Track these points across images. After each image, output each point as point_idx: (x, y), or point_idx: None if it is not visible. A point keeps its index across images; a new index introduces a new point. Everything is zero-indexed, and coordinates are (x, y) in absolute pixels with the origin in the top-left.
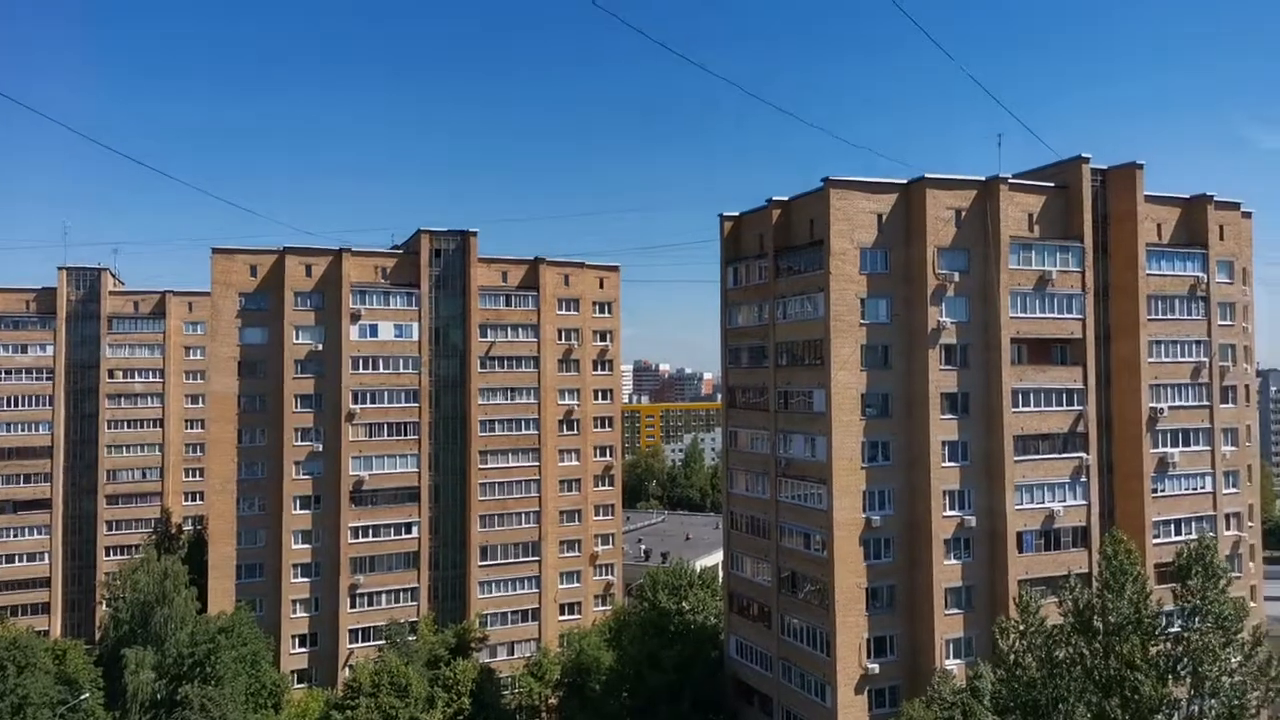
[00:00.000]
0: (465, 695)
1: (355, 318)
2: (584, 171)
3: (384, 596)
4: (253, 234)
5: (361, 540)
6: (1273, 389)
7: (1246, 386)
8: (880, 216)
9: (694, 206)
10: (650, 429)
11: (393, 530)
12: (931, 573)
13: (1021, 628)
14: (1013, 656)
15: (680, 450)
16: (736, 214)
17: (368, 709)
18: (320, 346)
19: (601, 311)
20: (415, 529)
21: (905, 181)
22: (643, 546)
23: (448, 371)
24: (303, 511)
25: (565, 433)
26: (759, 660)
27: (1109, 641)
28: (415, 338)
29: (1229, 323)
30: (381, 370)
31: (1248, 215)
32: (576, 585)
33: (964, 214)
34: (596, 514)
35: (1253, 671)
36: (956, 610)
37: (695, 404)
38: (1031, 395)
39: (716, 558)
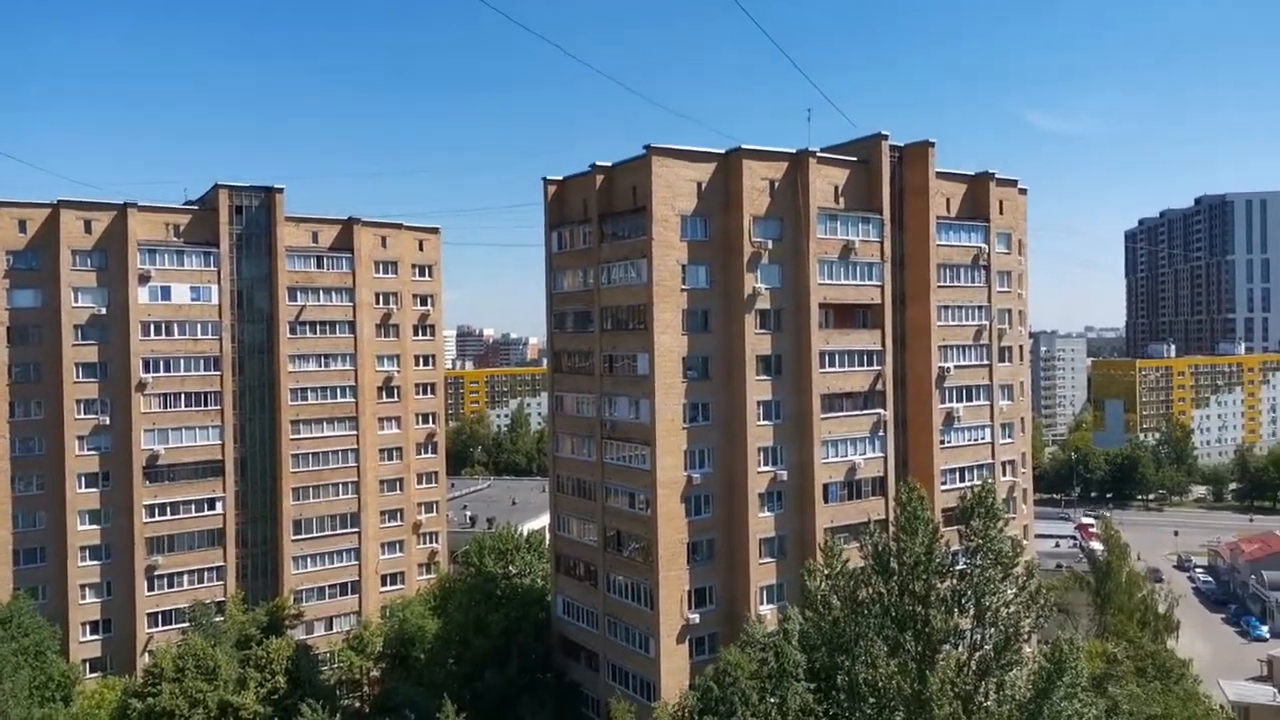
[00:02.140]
0: (280, 674)
1: (144, 279)
2: (402, 130)
3: (187, 577)
4: (24, 186)
5: (159, 519)
6: (1042, 349)
7: (1021, 347)
8: (700, 185)
9: (518, 169)
10: (475, 395)
11: (195, 507)
12: (747, 525)
13: (827, 571)
14: (819, 598)
15: (506, 415)
16: (560, 178)
17: (171, 695)
18: (104, 310)
19: (422, 275)
20: (220, 504)
21: (724, 152)
22: (468, 513)
23: (253, 337)
24: (89, 490)
25: (385, 400)
26: (586, 618)
27: (904, 580)
28: (215, 301)
29: (1006, 289)
30: (177, 336)
31: (1023, 192)
32: (399, 555)
33: (777, 185)
34: (420, 482)
35: (1024, 600)
36: (770, 559)
37: (521, 369)
38: (837, 357)
39: (543, 521)
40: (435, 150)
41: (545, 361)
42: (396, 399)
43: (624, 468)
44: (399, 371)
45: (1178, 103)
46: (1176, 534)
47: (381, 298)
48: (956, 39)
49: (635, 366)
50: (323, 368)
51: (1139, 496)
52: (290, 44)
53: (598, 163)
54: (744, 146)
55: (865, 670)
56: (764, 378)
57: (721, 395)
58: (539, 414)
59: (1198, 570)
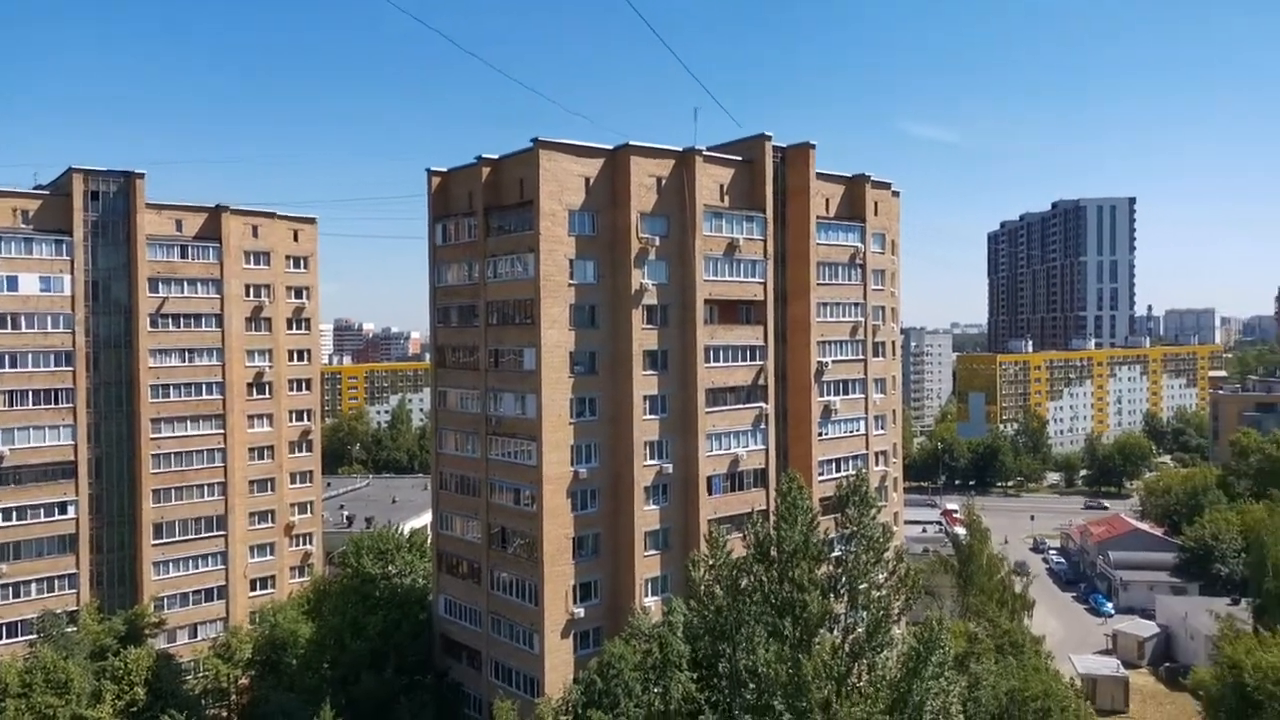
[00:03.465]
0: (139, 685)
1: None
2: (276, 116)
3: (34, 586)
4: None
5: (3, 524)
6: (912, 345)
7: (893, 343)
8: (588, 180)
9: (401, 160)
10: (353, 391)
11: (43, 511)
12: (633, 519)
13: (711, 561)
14: (702, 588)
15: (386, 412)
16: (445, 170)
17: (17, 711)
18: None
19: (297, 266)
20: (72, 509)
21: (612, 148)
22: (345, 513)
23: (110, 330)
24: None
25: (256, 396)
26: (468, 617)
27: (784, 568)
28: (67, 292)
29: (880, 287)
30: (24, 329)
31: (897, 194)
32: (270, 558)
33: (664, 182)
34: (293, 481)
35: (894, 584)
36: (655, 551)
37: (402, 364)
38: (721, 352)
39: (425, 519)
40: (312, 139)
41: (428, 356)
42: (268, 395)
43: (509, 463)
44: (271, 367)
45: (1037, 113)
46: (1033, 518)
47: (252, 290)
48: (837, 46)
49: (522, 361)
50: (187, 363)
51: (999, 483)
52: (163, 24)
53: (484, 155)
54: (632, 143)
55: (746, 657)
56: (651, 373)
57: (609, 390)
58: (421, 410)
59: (1051, 552)
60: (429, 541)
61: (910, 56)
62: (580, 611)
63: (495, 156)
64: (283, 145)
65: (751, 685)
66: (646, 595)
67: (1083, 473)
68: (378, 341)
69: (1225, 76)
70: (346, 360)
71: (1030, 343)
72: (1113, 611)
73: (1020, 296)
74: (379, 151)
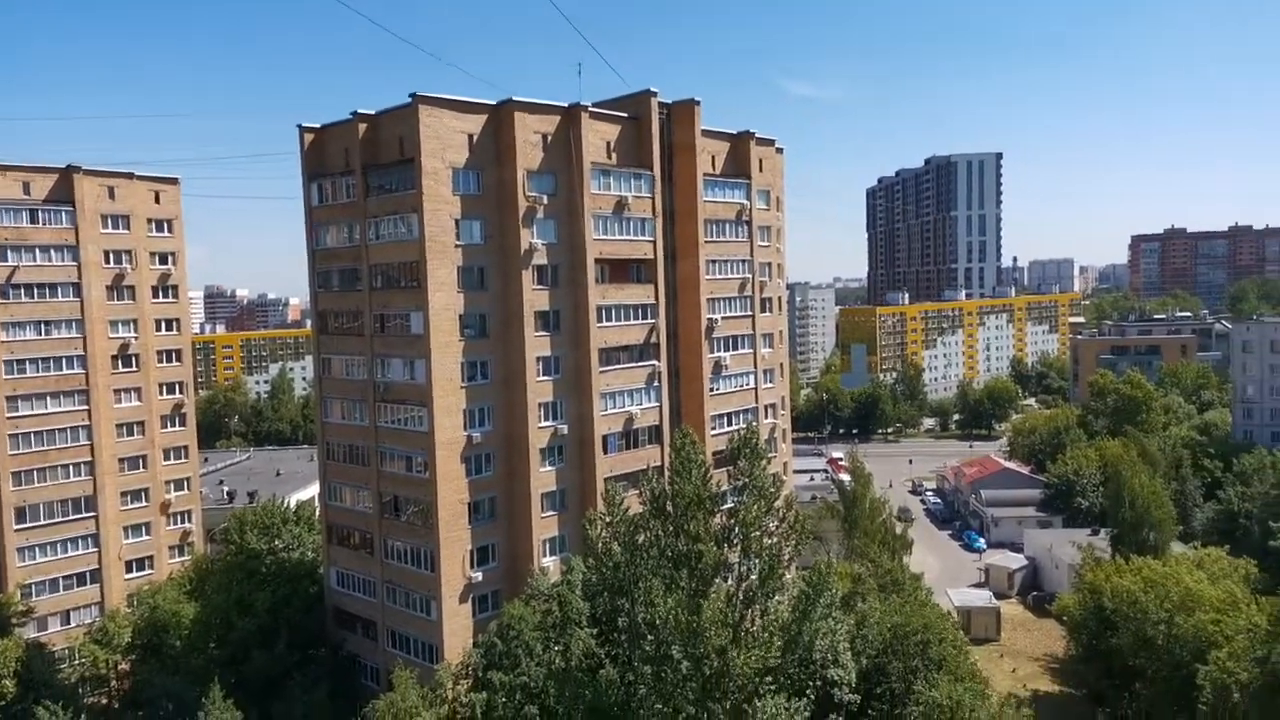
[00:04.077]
0: (7, 677)
1: None
2: (129, 69)
3: None
4: None
5: None
6: (797, 299)
7: (779, 298)
8: (471, 137)
9: (270, 114)
10: (229, 361)
11: None
12: (529, 481)
13: (608, 519)
14: (600, 545)
15: (266, 382)
16: (318, 126)
17: None
18: None
19: (160, 230)
20: None
21: (495, 103)
22: (225, 488)
23: None
24: None
25: (121, 370)
26: (362, 588)
27: (679, 521)
28: None
29: (766, 244)
30: None
31: (780, 151)
32: (146, 538)
33: (550, 139)
34: (167, 458)
35: (785, 531)
36: (552, 512)
37: (281, 331)
38: (613, 311)
39: (312, 491)
40: (173, 92)
41: (309, 323)
42: (135, 368)
43: (400, 430)
44: (137, 338)
45: (911, 71)
46: (911, 462)
47: (113, 256)
48: (720, 6)
49: (409, 326)
50: (43, 336)
51: (880, 430)
52: None
53: (360, 110)
54: (515, 99)
55: (644, 610)
56: (543, 334)
57: (500, 352)
58: (304, 379)
59: (928, 493)
60: (317, 514)
61: (788, 13)
62: (478, 576)
63: (372, 112)
64: (143, 99)
65: (650, 637)
66: (545, 556)
67: (956, 417)
68: (253, 309)
69: (1080, 39)
70: (220, 329)
71: (906, 295)
72: (985, 547)
73: (897, 250)
74: (248, 107)
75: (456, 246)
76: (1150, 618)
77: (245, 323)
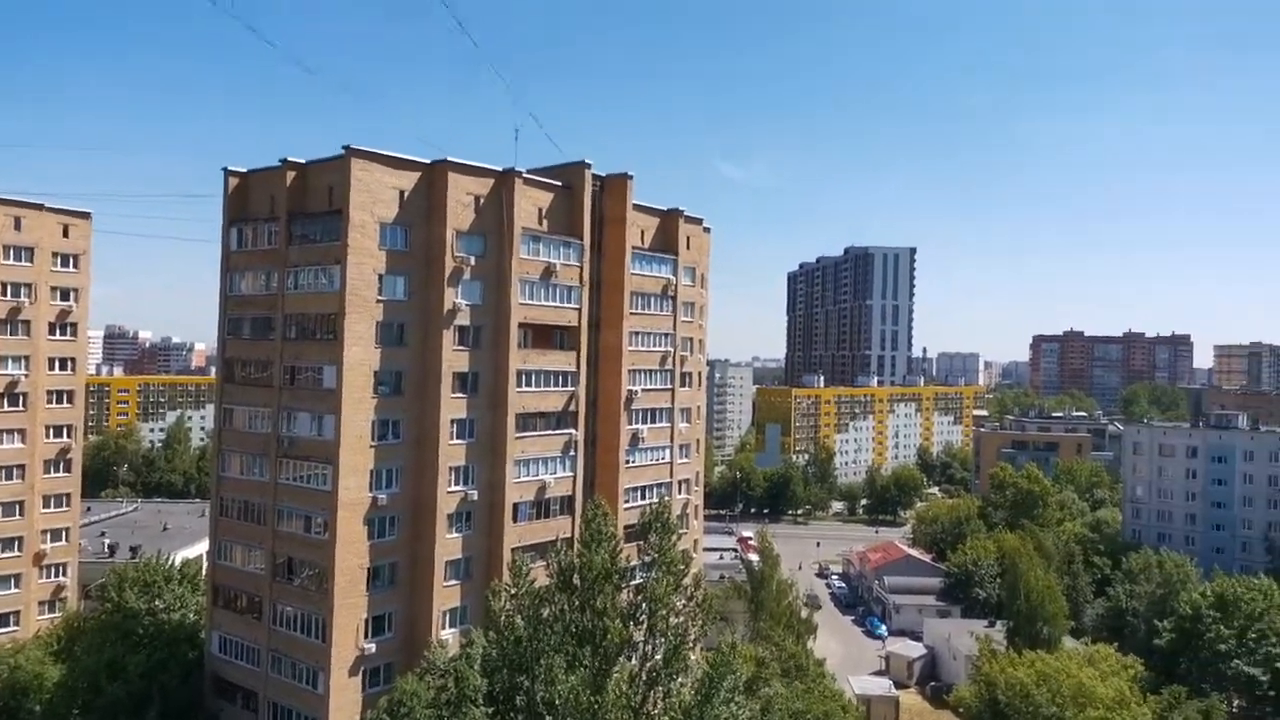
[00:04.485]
0: None
1: None
2: (48, 99)
3: None
4: None
5: None
6: (717, 376)
7: (699, 373)
8: (403, 193)
9: (191, 154)
10: (124, 405)
11: None
12: (434, 547)
13: (513, 591)
14: (503, 618)
15: (162, 430)
16: (244, 170)
17: None
18: None
19: (65, 265)
20: None
21: (429, 162)
22: (106, 541)
23: None
24: None
25: (7, 408)
26: (245, 655)
27: (586, 595)
28: None
29: (690, 319)
30: None
31: (708, 230)
32: (15, 591)
33: (483, 201)
34: (46, 505)
35: (692, 610)
36: (455, 581)
37: (183, 377)
38: (534, 376)
39: (200, 548)
40: (89, 124)
41: (214, 370)
42: (21, 408)
43: (301, 489)
44: (27, 375)
45: (837, 163)
46: (819, 545)
47: (10, 289)
48: (654, 79)
49: (321, 379)
50: None
51: (790, 511)
52: None
53: (290, 158)
54: (450, 159)
55: (544, 689)
56: (460, 395)
57: (414, 412)
58: (202, 429)
59: (834, 577)
60: (204, 573)
61: (720, 96)
62: (371, 647)
63: (303, 161)
64: (55, 131)
65: (548, 717)
66: (445, 627)
67: (864, 502)
68: (155, 352)
69: (979, 144)
70: (118, 371)
71: (822, 378)
72: (886, 634)
73: (815, 334)
74: (165, 145)
75: (378, 301)
76: (1041, 712)
77: (146, 366)
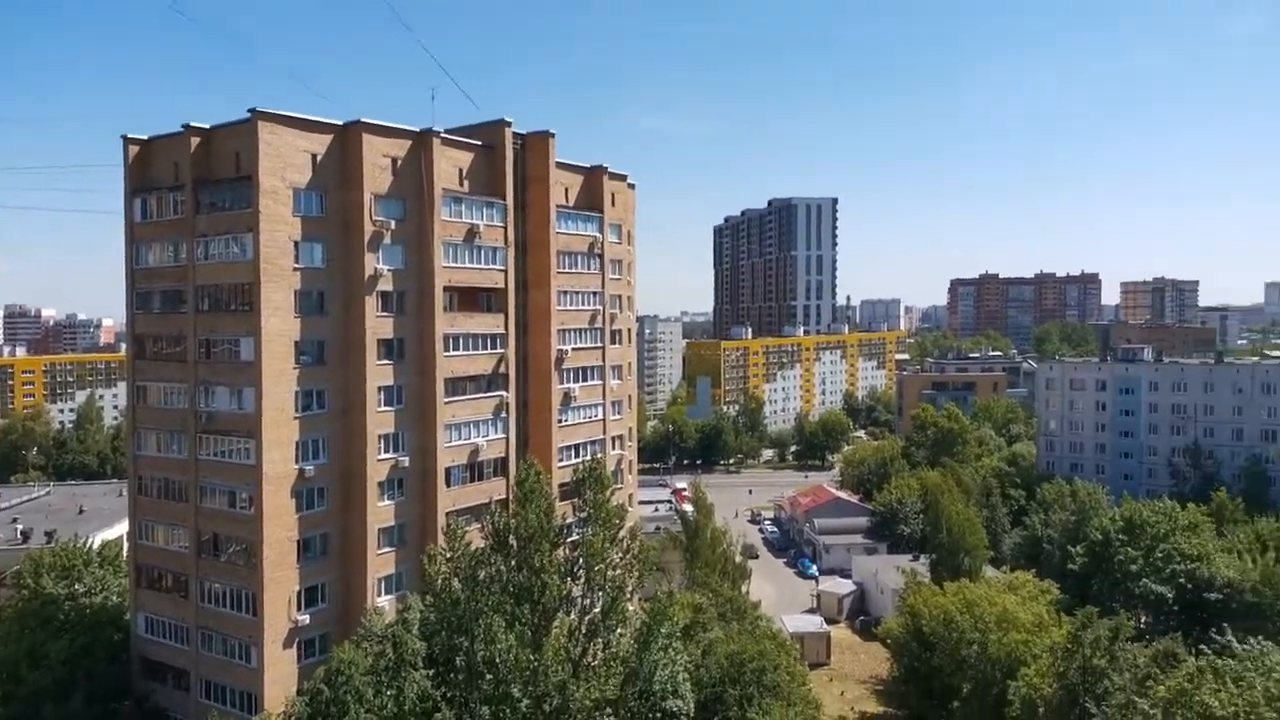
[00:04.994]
0: None
1: None
2: None
3: None
4: None
5: None
6: (646, 332)
7: (629, 330)
8: (315, 157)
9: (90, 123)
10: (30, 387)
11: None
12: (366, 516)
13: (449, 554)
14: (440, 581)
15: (72, 410)
16: (146, 138)
17: None
18: None
19: None
20: None
21: (342, 124)
22: (19, 527)
23: None
24: None
25: None
26: (174, 634)
27: (522, 555)
28: None
29: (618, 277)
30: None
31: (633, 186)
32: None
33: (400, 163)
34: None
35: (628, 562)
36: (389, 549)
37: (92, 355)
38: (462, 340)
39: (120, 529)
40: None
41: (124, 347)
42: None
43: (224, 464)
44: None
45: (757, 114)
46: (751, 492)
47: None
48: (570, 33)
49: (238, 352)
50: None
51: (723, 461)
52: None
53: (193, 123)
54: (364, 120)
55: (484, 648)
56: (385, 362)
57: (339, 381)
58: (115, 408)
59: (766, 522)
60: (124, 554)
61: (642, 47)
62: (305, 618)
63: (206, 126)
64: None
65: (489, 676)
66: (381, 595)
67: (793, 448)
68: (60, 330)
69: (896, 89)
70: (20, 351)
71: (750, 330)
72: (817, 573)
73: (741, 287)
74: (63, 113)
75: (295, 269)
76: (965, 638)
77: (51, 345)
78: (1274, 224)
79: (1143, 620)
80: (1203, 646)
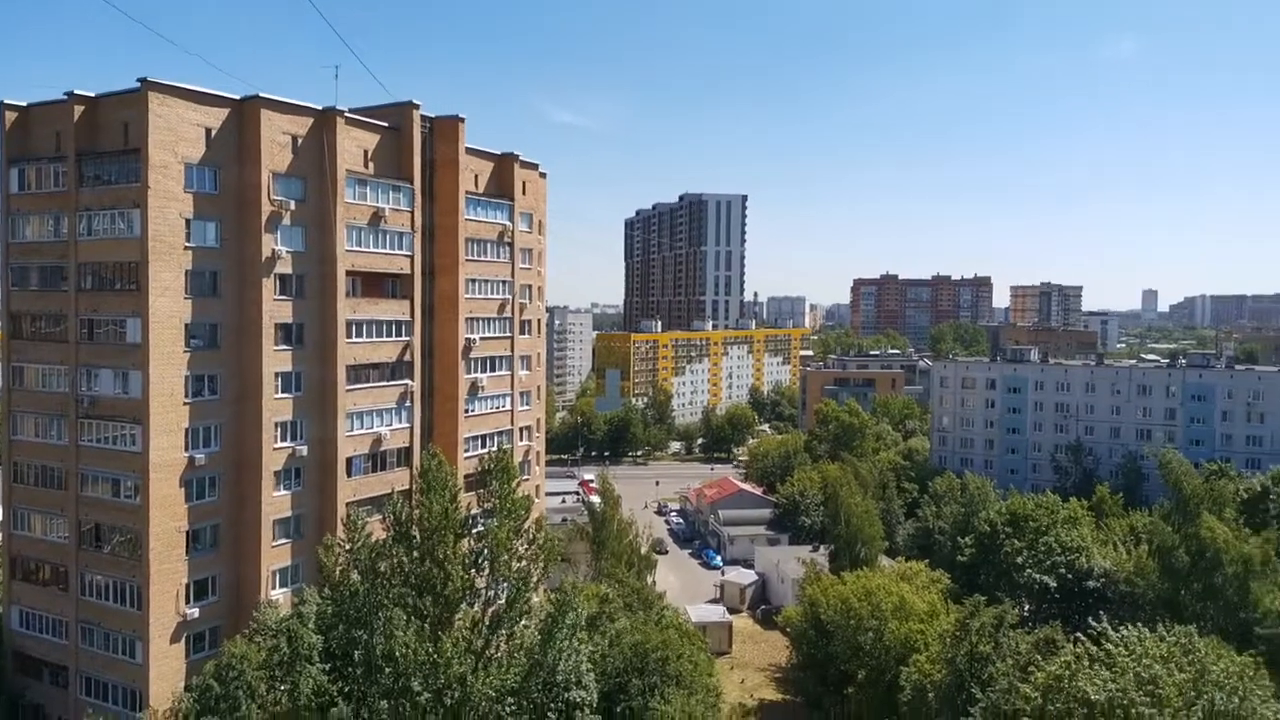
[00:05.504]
0: None
1: None
2: None
3: None
4: None
5: None
6: (556, 323)
7: (539, 320)
8: (210, 131)
9: None
10: None
11: None
12: (260, 507)
13: (348, 546)
14: (338, 573)
15: None
16: (24, 104)
17: None
18: None
19: None
20: None
21: (239, 98)
22: None
23: None
24: None
25: None
26: (51, 629)
27: (425, 546)
28: None
29: (528, 266)
30: None
31: (544, 176)
32: None
33: (301, 142)
34: None
35: (534, 553)
36: (285, 540)
37: None
38: (365, 326)
39: None
40: None
41: None
42: None
43: (107, 450)
44: None
45: (668, 109)
46: (658, 484)
47: None
48: (480, 21)
49: (124, 333)
50: None
51: (631, 453)
52: None
53: (77, 91)
54: (263, 95)
55: (384, 642)
56: (284, 348)
57: (233, 366)
58: None
59: (672, 514)
60: None
61: (552, 40)
62: (194, 612)
63: (91, 94)
64: None
65: (388, 669)
66: (276, 588)
67: (700, 441)
68: None
69: (802, 90)
70: None
71: (659, 323)
72: (721, 564)
73: (652, 280)
74: None
75: (186, 248)
76: (863, 625)
77: None
78: (1152, 236)
79: (1026, 608)
80: (1079, 635)
